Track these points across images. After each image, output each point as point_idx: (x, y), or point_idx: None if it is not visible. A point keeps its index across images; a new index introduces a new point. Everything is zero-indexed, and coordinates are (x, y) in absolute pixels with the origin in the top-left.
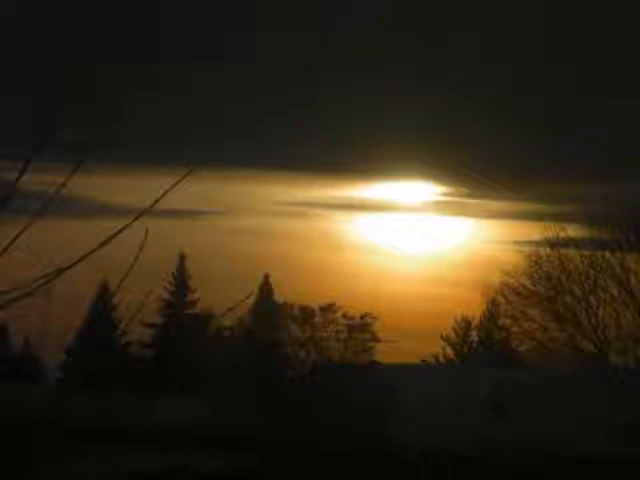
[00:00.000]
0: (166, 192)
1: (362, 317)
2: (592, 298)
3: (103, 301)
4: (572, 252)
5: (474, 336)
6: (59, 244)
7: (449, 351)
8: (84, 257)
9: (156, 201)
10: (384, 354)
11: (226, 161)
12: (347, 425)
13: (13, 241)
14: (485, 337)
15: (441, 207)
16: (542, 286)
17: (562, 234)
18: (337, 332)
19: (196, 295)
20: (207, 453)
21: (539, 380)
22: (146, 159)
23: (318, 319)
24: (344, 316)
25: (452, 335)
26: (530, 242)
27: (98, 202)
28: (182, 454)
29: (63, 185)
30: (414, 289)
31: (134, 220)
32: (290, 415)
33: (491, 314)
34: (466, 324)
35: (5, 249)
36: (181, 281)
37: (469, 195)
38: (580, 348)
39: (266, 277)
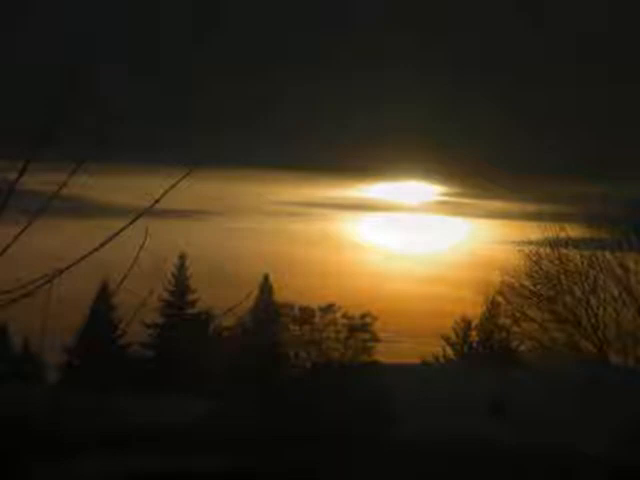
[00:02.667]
0: (166, 192)
1: (362, 317)
2: (592, 298)
3: (103, 301)
4: (572, 252)
5: (474, 336)
6: (59, 244)
7: (449, 351)
8: (83, 257)
9: (156, 201)
10: (384, 354)
11: (226, 161)
12: (347, 425)
13: (13, 241)
14: (485, 337)
15: (441, 207)
16: (542, 286)
17: (562, 234)
18: (337, 332)
19: (196, 295)
20: (207, 453)
21: (539, 380)
22: (146, 159)
23: (318, 319)
24: (344, 316)
25: (452, 335)
26: (530, 242)
27: (98, 202)
28: (182, 454)
29: (63, 185)
30: (414, 289)
31: (133, 220)
32: (290, 415)
33: (491, 314)
34: (466, 324)
35: (5, 249)
36: (181, 281)
37: (469, 195)
38: (580, 348)
39: (266, 277)
